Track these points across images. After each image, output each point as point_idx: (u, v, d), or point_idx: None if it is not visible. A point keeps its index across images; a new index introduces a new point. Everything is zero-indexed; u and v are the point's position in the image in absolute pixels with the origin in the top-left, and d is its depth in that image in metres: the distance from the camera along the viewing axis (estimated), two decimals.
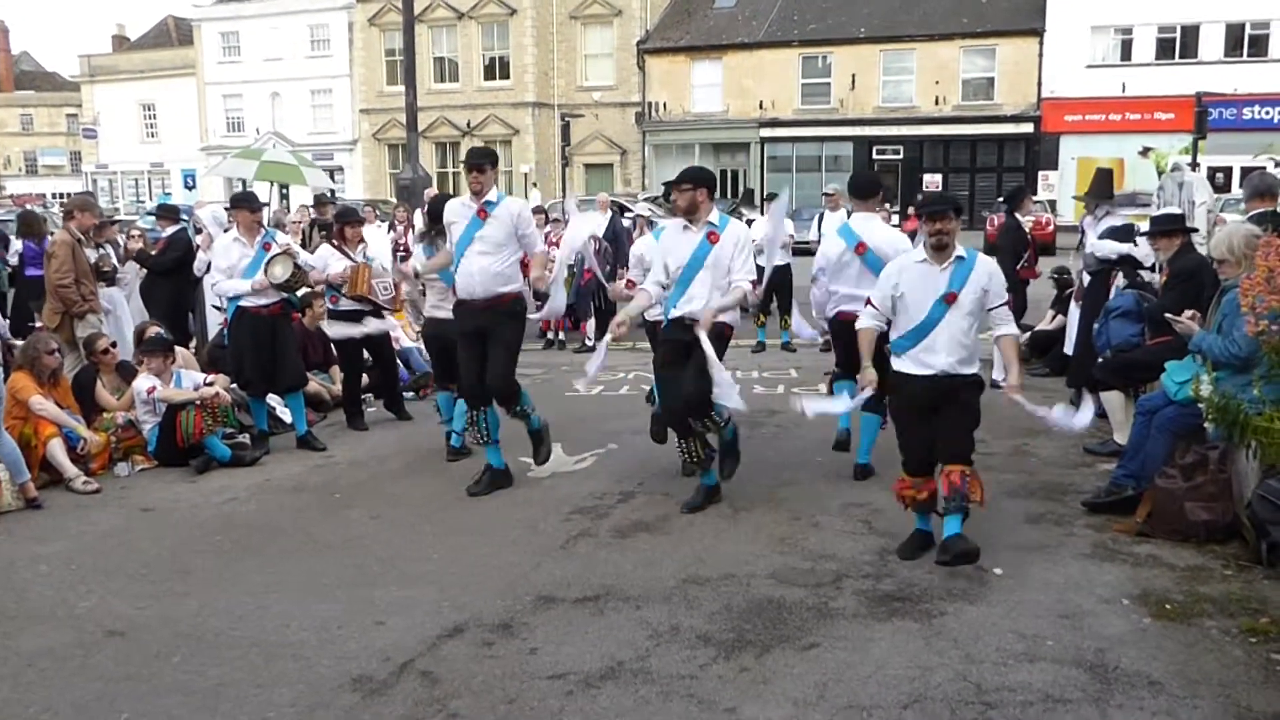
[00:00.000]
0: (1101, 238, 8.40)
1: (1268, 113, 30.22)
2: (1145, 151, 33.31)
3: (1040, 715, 3.54)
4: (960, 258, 5.03)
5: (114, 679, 3.96)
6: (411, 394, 9.52)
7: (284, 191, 25.68)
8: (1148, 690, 3.68)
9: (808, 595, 4.64)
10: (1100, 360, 7.06)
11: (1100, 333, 7.01)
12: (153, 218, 10.94)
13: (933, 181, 34.48)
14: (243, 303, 7.41)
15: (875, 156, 35.27)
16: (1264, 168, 7.21)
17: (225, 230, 9.64)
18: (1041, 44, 32.39)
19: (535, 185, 34.78)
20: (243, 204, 7.52)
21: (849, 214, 12.41)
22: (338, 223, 8.54)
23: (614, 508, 6.02)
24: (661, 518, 5.79)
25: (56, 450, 6.73)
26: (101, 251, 8.45)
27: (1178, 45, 31.47)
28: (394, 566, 5.15)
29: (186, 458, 7.14)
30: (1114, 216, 8.95)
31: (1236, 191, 22.52)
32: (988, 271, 5.06)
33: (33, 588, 4.98)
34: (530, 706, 3.68)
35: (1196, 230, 7.09)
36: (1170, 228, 6.75)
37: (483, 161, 6.19)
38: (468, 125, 38.01)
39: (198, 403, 7.14)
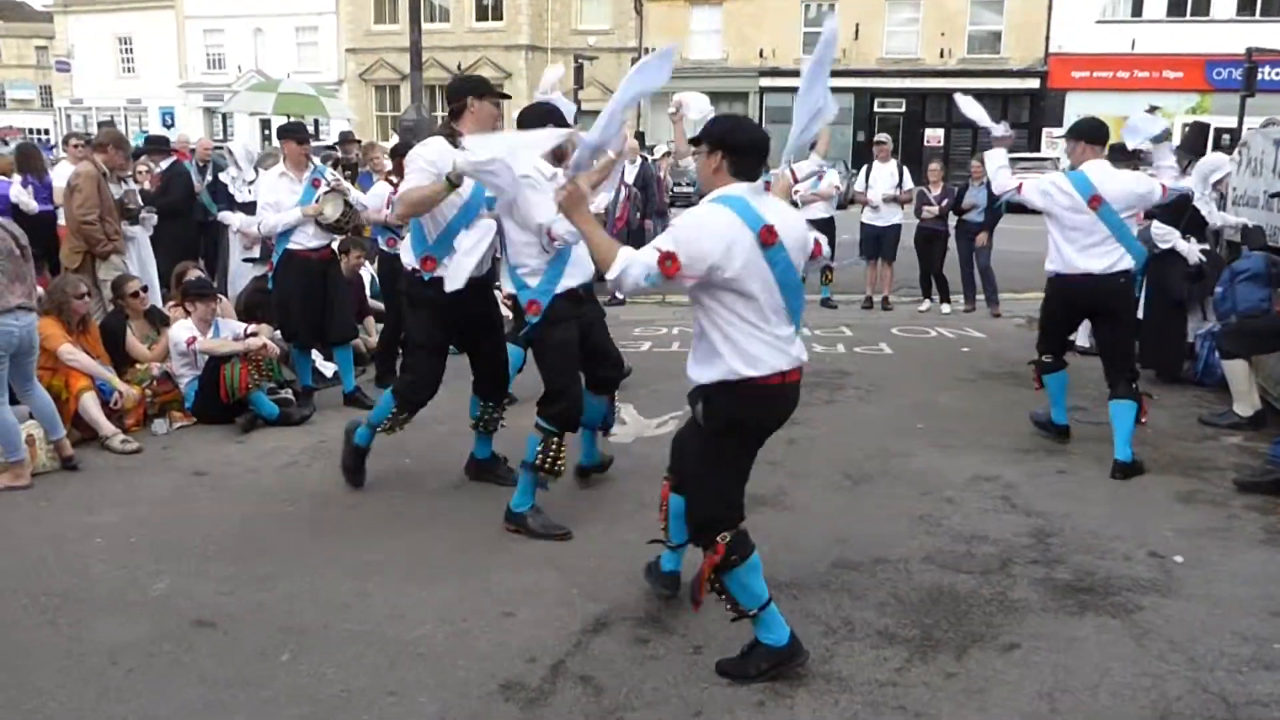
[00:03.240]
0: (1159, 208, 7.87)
1: (1278, 74, 29.73)
2: (1153, 110, 32.93)
3: None
4: None
5: (219, 683, 3.40)
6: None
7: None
8: None
9: (979, 584, 4.15)
10: (1224, 326, 6.59)
11: (1225, 297, 6.53)
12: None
13: (934, 137, 33.91)
14: (290, 245, 6.75)
15: (877, 110, 34.61)
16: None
17: (255, 164, 9.00)
18: None
19: None
20: (290, 135, 6.82)
21: (900, 166, 11.95)
22: (395, 157, 7.84)
23: None
24: (778, 491, 5.27)
25: (90, 404, 6.10)
26: (126, 187, 7.72)
27: (1189, 2, 30.87)
28: (498, 544, 4.59)
29: (228, 414, 6.53)
30: (1190, 175, 8.46)
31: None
32: None
33: (93, 567, 4.39)
34: None
35: None
36: None
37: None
38: (459, 67, 36.80)
39: (243, 355, 6.53)
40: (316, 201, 6.71)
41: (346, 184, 7.06)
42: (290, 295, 6.82)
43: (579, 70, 32.58)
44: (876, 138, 12.40)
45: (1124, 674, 3.43)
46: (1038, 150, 31.13)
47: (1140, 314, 8.37)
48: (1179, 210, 7.52)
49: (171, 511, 5.09)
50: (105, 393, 6.27)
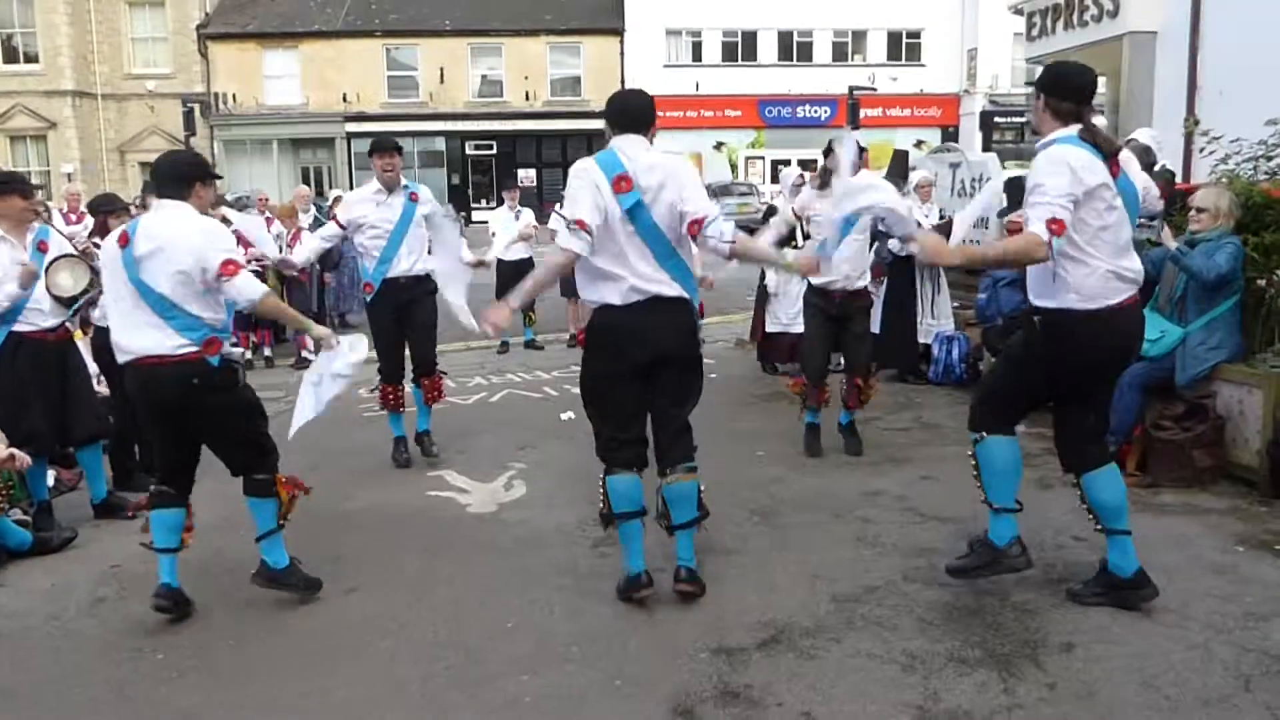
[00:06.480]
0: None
1: (816, 111, 34.26)
2: (719, 146, 36.59)
3: None
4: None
5: None
6: None
7: None
8: None
9: (976, 592, 4.22)
10: (990, 327, 7.36)
11: (990, 301, 7.30)
12: None
13: (526, 176, 34.89)
14: (18, 327, 5.33)
15: (470, 152, 34.96)
16: None
17: None
18: (623, 43, 33.98)
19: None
20: (11, 188, 5.36)
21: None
22: (98, 215, 6.48)
23: None
24: (704, 540, 5.00)
25: None
26: None
27: (740, 49, 34.63)
28: (459, 649, 3.88)
29: None
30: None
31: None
32: None
33: None
34: None
35: None
36: None
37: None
38: None
39: None
40: (47, 271, 5.37)
41: (93, 248, 5.71)
42: (21, 389, 5.36)
43: (189, 115, 29.74)
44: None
45: (1183, 653, 3.64)
46: None
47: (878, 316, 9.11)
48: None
49: None
50: None
